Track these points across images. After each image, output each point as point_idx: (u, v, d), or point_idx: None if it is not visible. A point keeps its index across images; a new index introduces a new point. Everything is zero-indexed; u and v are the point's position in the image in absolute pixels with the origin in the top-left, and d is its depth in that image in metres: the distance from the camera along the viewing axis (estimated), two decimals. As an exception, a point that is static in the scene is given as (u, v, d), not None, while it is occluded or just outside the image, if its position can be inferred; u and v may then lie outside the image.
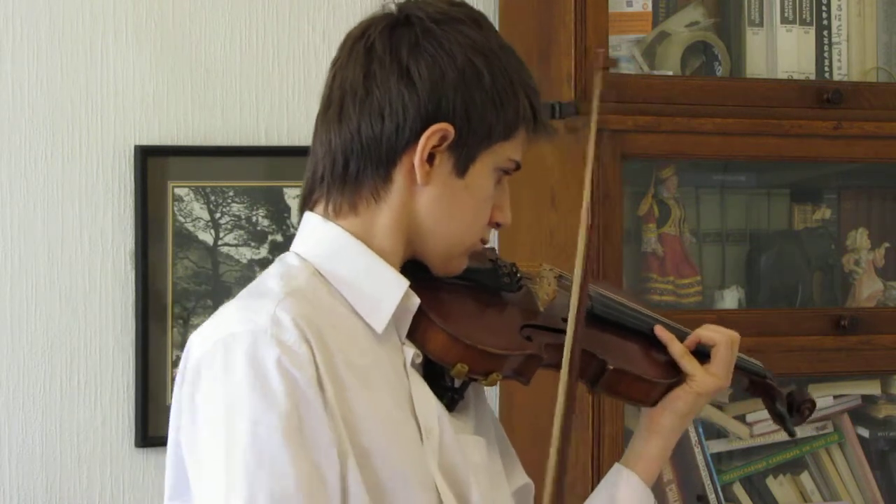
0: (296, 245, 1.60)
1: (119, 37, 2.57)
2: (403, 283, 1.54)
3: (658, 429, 1.73)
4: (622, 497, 1.71)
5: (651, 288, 2.56)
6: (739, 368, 1.86)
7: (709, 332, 1.76)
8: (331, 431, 1.42)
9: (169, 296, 2.57)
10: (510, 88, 1.56)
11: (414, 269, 1.60)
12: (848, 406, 2.69)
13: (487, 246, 1.66)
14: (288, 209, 2.63)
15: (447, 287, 1.63)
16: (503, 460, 1.69)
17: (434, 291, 1.60)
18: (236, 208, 2.61)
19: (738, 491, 2.62)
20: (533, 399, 2.46)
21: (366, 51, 1.55)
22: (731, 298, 2.62)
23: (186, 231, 2.58)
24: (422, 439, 1.52)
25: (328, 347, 1.46)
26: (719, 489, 2.55)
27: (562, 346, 1.57)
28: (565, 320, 1.59)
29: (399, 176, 1.54)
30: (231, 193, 2.60)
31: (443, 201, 1.56)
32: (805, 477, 2.67)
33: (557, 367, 1.60)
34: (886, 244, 2.76)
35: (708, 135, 2.43)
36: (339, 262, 1.55)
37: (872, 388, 2.70)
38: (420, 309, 1.56)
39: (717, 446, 2.60)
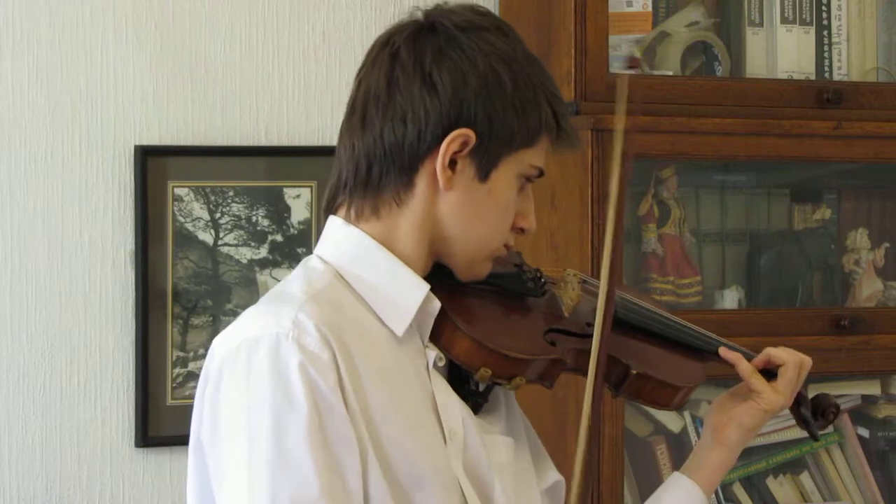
0: (319, 248, 1.61)
1: (119, 37, 2.56)
2: (424, 286, 1.56)
3: (724, 441, 1.77)
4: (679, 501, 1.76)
5: (651, 288, 2.56)
6: None
7: (779, 353, 1.80)
8: (352, 434, 1.44)
9: (169, 296, 2.57)
10: (533, 96, 1.57)
11: (440, 273, 1.61)
12: (848, 406, 2.69)
13: (514, 251, 1.67)
14: (288, 209, 2.63)
15: (472, 292, 1.64)
16: (533, 459, 1.69)
17: (459, 296, 1.61)
18: (236, 208, 2.61)
19: (738, 491, 2.62)
20: (537, 399, 2.46)
21: (390, 57, 1.57)
22: (730, 298, 2.62)
23: (186, 231, 2.58)
24: (445, 440, 1.53)
25: (350, 351, 1.47)
26: (719, 489, 2.56)
27: (586, 350, 1.58)
28: (590, 325, 1.60)
29: (421, 181, 1.56)
30: (231, 193, 2.60)
31: (465, 206, 1.57)
32: (805, 477, 2.67)
33: (581, 371, 1.61)
34: (886, 244, 2.76)
35: (708, 135, 2.43)
36: (361, 266, 1.56)
37: (872, 388, 2.70)
38: (444, 313, 1.57)
39: (717, 446, 2.60)
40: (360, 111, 1.58)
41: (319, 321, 1.46)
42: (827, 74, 2.65)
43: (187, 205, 2.58)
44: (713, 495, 2.53)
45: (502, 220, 1.60)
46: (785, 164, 2.66)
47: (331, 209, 1.62)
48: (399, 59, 1.56)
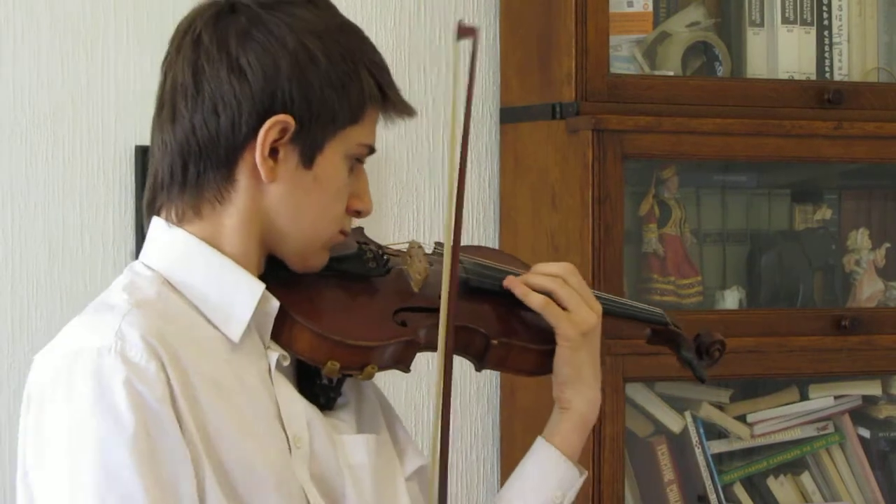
0: (143, 254, 1.50)
1: (119, 36, 2.56)
2: (258, 286, 1.46)
3: (560, 403, 1.64)
4: (535, 467, 1.63)
5: (652, 288, 2.56)
6: (637, 319, 1.78)
7: (537, 279, 1.63)
8: (185, 450, 1.35)
9: (169, 296, 2.56)
10: (352, 68, 1.46)
11: (275, 265, 1.51)
12: (849, 406, 2.69)
13: (355, 225, 1.58)
14: (288, 209, 2.62)
15: (311, 282, 1.53)
16: (395, 447, 1.59)
17: (296, 288, 1.51)
18: (237, 208, 2.60)
19: (739, 491, 2.62)
20: (536, 398, 2.46)
21: (193, 44, 1.46)
22: (731, 299, 2.62)
23: (187, 231, 2.58)
24: (290, 449, 1.44)
25: (180, 362, 1.37)
26: (720, 489, 2.55)
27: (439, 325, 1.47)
28: (441, 297, 1.48)
29: (242, 174, 1.45)
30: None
31: (292, 197, 1.46)
32: (806, 477, 2.67)
33: (436, 348, 1.51)
34: (887, 244, 2.76)
35: (709, 135, 2.43)
36: (188, 269, 1.46)
37: (873, 388, 2.70)
38: (283, 308, 1.47)
39: (717, 447, 2.60)
40: (168, 105, 1.47)
41: (145, 331, 1.36)
42: (828, 74, 2.65)
43: (188, 205, 2.58)
44: (713, 495, 2.54)
45: (334, 206, 1.49)
46: (786, 165, 2.66)
47: (151, 211, 1.50)
48: (202, 44, 1.45)
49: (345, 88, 1.45)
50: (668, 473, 2.53)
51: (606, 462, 2.32)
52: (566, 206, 2.40)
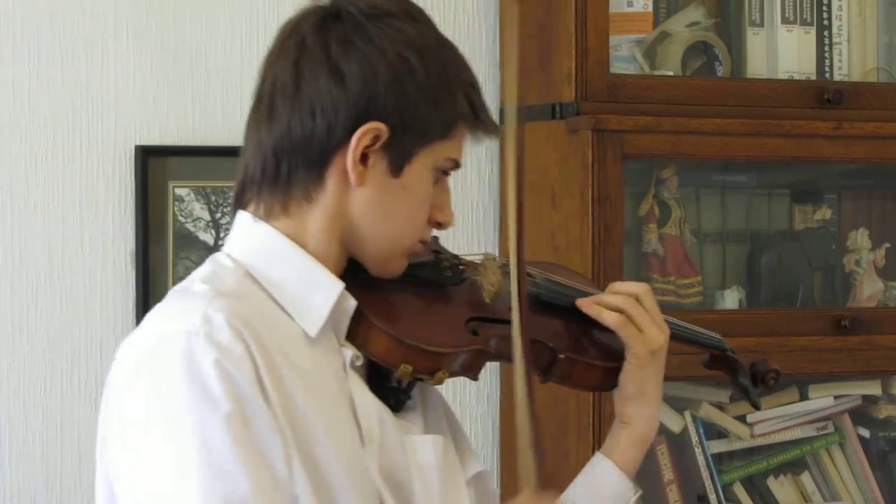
0: (227, 246, 1.54)
1: (119, 37, 2.56)
2: (338, 285, 1.49)
3: (622, 418, 1.68)
4: (591, 480, 1.67)
5: (652, 288, 2.55)
6: (698, 344, 1.82)
7: (611, 299, 1.67)
8: (275, 426, 1.38)
9: (169, 296, 2.57)
10: (446, 85, 1.50)
11: (354, 268, 1.54)
12: (848, 406, 2.69)
13: (432, 236, 1.61)
14: (288, 209, 2.62)
15: (388, 286, 1.57)
16: (458, 451, 1.63)
17: (374, 291, 1.54)
18: (237, 208, 2.60)
19: (739, 491, 2.62)
20: (540, 400, 2.46)
21: (296, 46, 1.50)
22: (731, 299, 2.62)
23: (187, 231, 2.58)
24: (363, 443, 1.47)
25: (266, 345, 1.41)
26: (720, 489, 2.55)
27: (509, 336, 1.52)
28: (512, 310, 1.53)
29: (332, 176, 1.49)
30: (231, 193, 2.60)
31: (378, 202, 1.50)
32: (806, 477, 2.67)
33: (506, 358, 1.56)
34: (887, 244, 2.76)
35: (708, 135, 2.43)
36: (271, 263, 1.49)
37: (873, 388, 2.70)
38: (359, 310, 1.51)
39: (717, 446, 2.60)
40: (266, 103, 1.51)
41: (230, 315, 1.39)
42: (827, 74, 2.65)
43: (188, 205, 2.58)
44: (713, 495, 2.54)
45: (417, 215, 1.53)
46: (785, 165, 2.66)
47: (239, 205, 1.54)
48: (305, 48, 1.49)
49: (439, 103, 1.50)
50: (668, 473, 2.53)
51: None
52: (566, 206, 2.40)
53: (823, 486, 2.68)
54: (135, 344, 1.43)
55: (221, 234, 2.59)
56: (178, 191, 2.57)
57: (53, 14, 2.53)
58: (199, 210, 2.58)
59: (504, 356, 1.57)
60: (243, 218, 1.53)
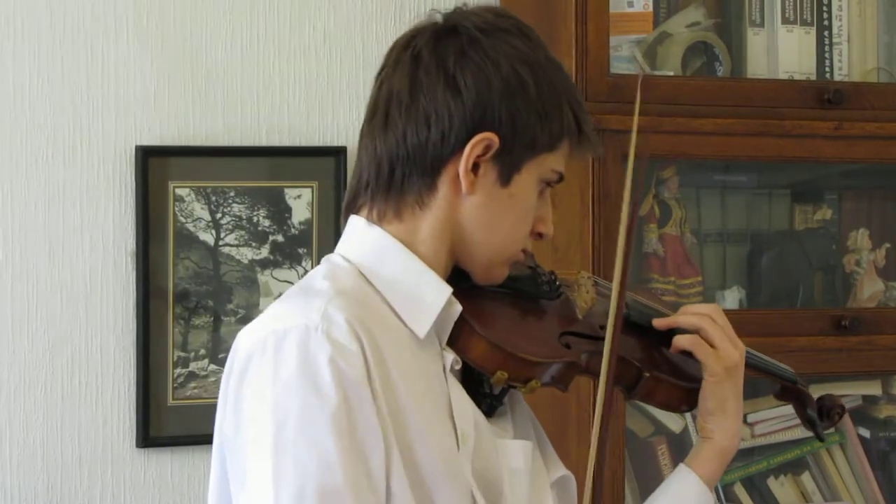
0: (341, 247, 1.60)
1: (120, 37, 2.56)
2: (446, 289, 1.55)
3: (704, 433, 1.74)
4: (674, 490, 1.74)
5: (652, 288, 2.56)
6: (771, 374, 1.89)
7: (687, 318, 1.73)
8: (379, 428, 1.43)
9: (170, 296, 2.57)
10: (555, 100, 1.57)
11: (455, 276, 1.60)
12: (849, 406, 2.68)
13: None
14: (289, 209, 2.63)
15: (487, 295, 1.63)
16: (542, 457, 1.69)
17: (475, 299, 1.60)
18: (237, 208, 2.61)
19: (739, 491, 2.62)
20: (536, 397, 2.46)
21: (412, 59, 1.56)
22: (731, 299, 2.62)
23: (187, 231, 2.58)
24: (458, 444, 1.52)
25: (378, 346, 1.47)
26: (720, 489, 2.56)
27: (599, 353, 1.57)
28: (603, 328, 1.59)
29: (444, 184, 1.55)
30: (232, 194, 2.60)
31: (486, 210, 1.56)
32: (806, 477, 2.67)
33: (594, 374, 1.61)
34: (887, 244, 2.76)
35: (709, 135, 2.43)
36: (383, 266, 1.56)
37: (873, 388, 2.70)
38: (461, 316, 1.56)
39: (717, 447, 2.60)
40: (382, 113, 1.57)
41: (349, 314, 1.46)
42: (828, 75, 2.65)
43: (188, 205, 2.58)
44: (714, 494, 2.54)
45: (522, 224, 1.61)
46: (786, 165, 2.66)
47: (351, 210, 1.61)
48: (421, 60, 1.55)
49: (548, 117, 1.57)
50: (669, 473, 2.52)
51: (607, 462, 2.32)
52: (566, 205, 2.40)
53: (824, 486, 2.68)
54: (256, 332, 1.48)
55: (222, 234, 2.59)
56: (179, 191, 2.58)
57: (53, 14, 2.54)
58: (200, 210, 2.58)
59: (593, 372, 1.63)
60: (357, 222, 1.59)
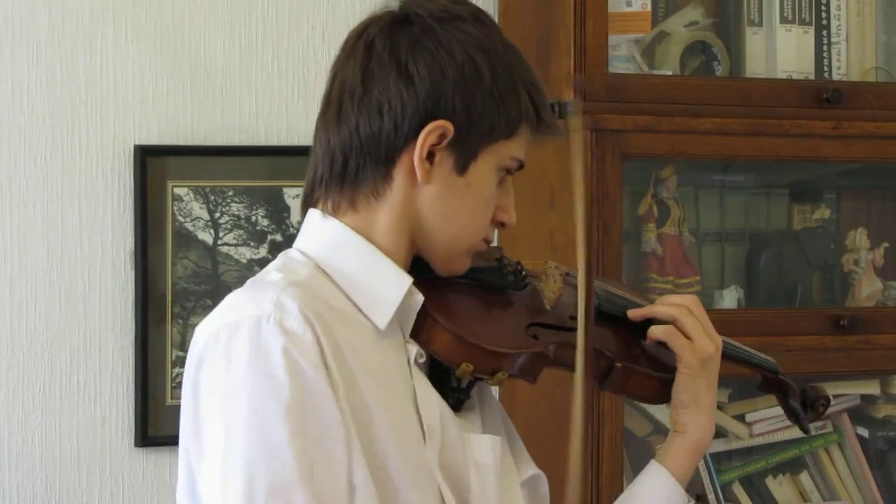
0: (298, 241, 1.59)
1: (119, 36, 2.57)
2: (406, 279, 1.53)
3: (676, 427, 1.71)
4: (645, 486, 1.70)
5: (651, 288, 2.56)
6: (752, 364, 1.86)
7: (664, 308, 1.71)
8: (338, 417, 1.41)
9: (168, 295, 2.57)
10: (512, 86, 1.55)
11: (419, 267, 1.59)
12: (847, 406, 2.69)
13: (493, 245, 1.65)
14: (287, 209, 2.63)
15: (452, 286, 1.62)
16: (512, 454, 1.67)
17: (438, 290, 1.58)
18: (236, 208, 2.61)
19: (738, 491, 2.62)
20: (536, 397, 2.46)
21: (365, 49, 1.54)
22: (730, 298, 2.62)
23: (186, 231, 2.58)
24: (424, 438, 1.51)
25: (334, 336, 1.45)
26: (719, 489, 2.56)
27: (569, 344, 1.56)
28: (572, 318, 1.58)
29: (399, 174, 1.53)
30: (230, 193, 2.60)
31: (444, 200, 1.54)
32: (804, 477, 2.67)
33: (564, 365, 1.60)
34: (886, 244, 2.76)
35: (707, 134, 2.43)
36: (342, 258, 1.54)
37: (872, 387, 2.70)
38: (424, 308, 1.55)
39: (716, 446, 2.60)
40: (335, 105, 1.55)
41: (302, 304, 1.43)
42: (826, 74, 2.65)
43: (187, 204, 2.58)
44: (712, 495, 2.54)
45: (482, 213, 1.58)
46: (784, 164, 2.66)
47: (308, 204, 1.59)
48: (374, 50, 1.53)
49: (504, 103, 1.55)
50: (667, 473, 2.53)
51: (605, 461, 2.32)
52: (565, 205, 2.40)
53: (822, 485, 2.68)
54: (209, 325, 1.47)
55: (220, 234, 2.59)
56: (178, 190, 2.58)
57: (53, 14, 2.54)
58: (198, 209, 2.59)
59: (562, 363, 1.61)
60: (313, 215, 1.58)
